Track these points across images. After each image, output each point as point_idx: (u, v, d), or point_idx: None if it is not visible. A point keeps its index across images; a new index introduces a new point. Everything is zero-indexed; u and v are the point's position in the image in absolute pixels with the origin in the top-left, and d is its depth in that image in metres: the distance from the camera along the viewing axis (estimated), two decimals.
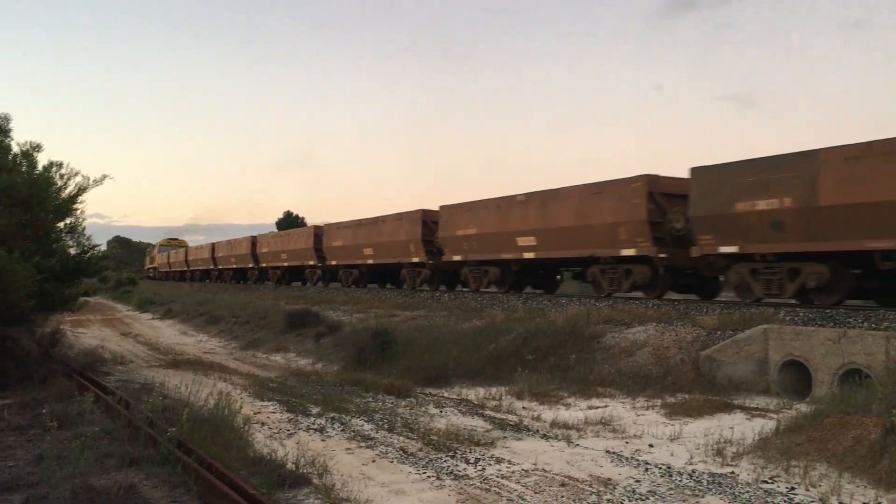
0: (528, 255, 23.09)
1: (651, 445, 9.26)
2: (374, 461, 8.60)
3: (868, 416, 8.43)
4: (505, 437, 9.72)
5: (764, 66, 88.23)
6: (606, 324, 15.88)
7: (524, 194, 23.39)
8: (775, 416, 10.32)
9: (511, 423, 10.69)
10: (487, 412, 11.55)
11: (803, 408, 10.40)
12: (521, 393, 12.75)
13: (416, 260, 29.28)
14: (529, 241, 22.89)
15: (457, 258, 26.68)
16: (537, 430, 10.18)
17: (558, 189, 22.09)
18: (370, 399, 12.72)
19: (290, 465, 7.84)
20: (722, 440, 9.13)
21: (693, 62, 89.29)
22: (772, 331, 12.49)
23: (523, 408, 11.84)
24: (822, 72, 77.28)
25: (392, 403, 12.29)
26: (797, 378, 12.09)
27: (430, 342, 17.31)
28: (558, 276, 26.43)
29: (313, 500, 6.99)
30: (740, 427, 9.86)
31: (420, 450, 9.10)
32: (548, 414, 11.26)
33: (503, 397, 12.64)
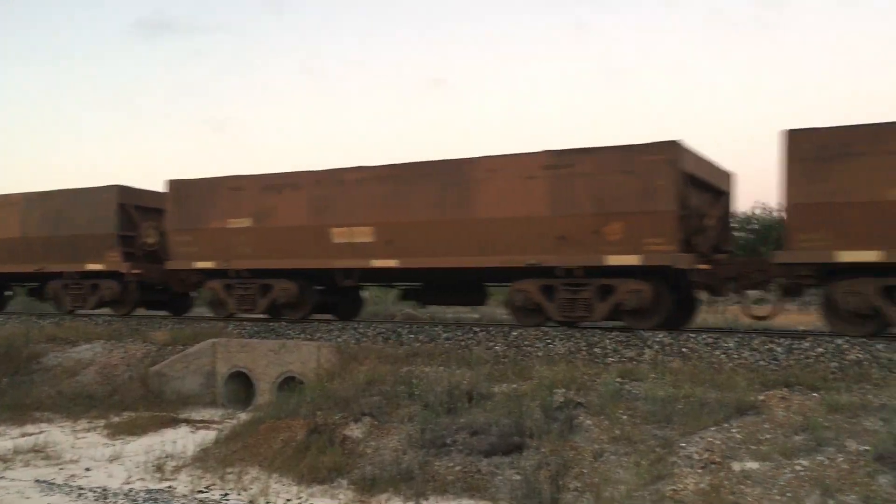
0: None
1: (88, 469, 8.86)
2: None
3: (297, 418, 9.31)
4: None
5: (234, 94, 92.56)
6: (50, 342, 14.70)
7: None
8: (219, 426, 10.72)
9: None
10: None
11: (244, 416, 11.01)
12: None
13: None
14: None
15: None
16: None
17: None
18: None
19: None
20: (163, 455, 9.16)
21: (169, 83, 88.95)
22: (220, 344, 12.99)
23: None
24: (282, 105, 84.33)
25: None
26: (243, 388, 12.76)
27: None
28: (9, 293, 23.11)
29: None
30: (183, 440, 10.00)
31: None
32: None
33: None
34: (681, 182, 11.72)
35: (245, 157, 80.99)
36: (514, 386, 9.47)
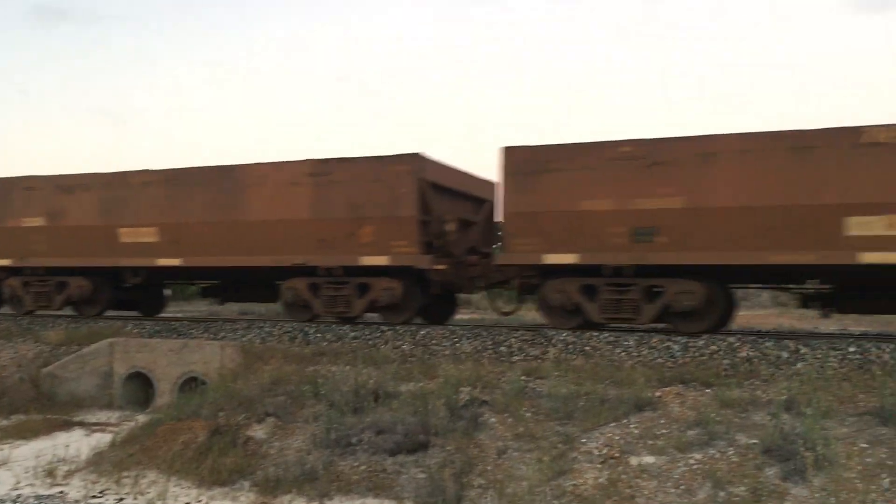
0: None
1: None
2: None
3: (198, 420, 9.08)
4: None
5: (135, 86, 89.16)
6: None
7: None
8: (116, 429, 10.34)
9: None
10: None
11: (143, 418, 10.67)
12: None
13: None
14: None
15: None
16: None
17: None
18: None
19: None
20: (55, 460, 8.79)
21: (66, 72, 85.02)
22: (117, 344, 12.53)
23: None
24: (186, 99, 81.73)
25: None
26: (142, 390, 12.35)
27: None
28: None
29: None
30: (77, 444, 9.62)
31: None
32: None
33: None
34: (423, 190, 12.91)
35: (147, 150, 78.52)
36: (421, 385, 9.50)
